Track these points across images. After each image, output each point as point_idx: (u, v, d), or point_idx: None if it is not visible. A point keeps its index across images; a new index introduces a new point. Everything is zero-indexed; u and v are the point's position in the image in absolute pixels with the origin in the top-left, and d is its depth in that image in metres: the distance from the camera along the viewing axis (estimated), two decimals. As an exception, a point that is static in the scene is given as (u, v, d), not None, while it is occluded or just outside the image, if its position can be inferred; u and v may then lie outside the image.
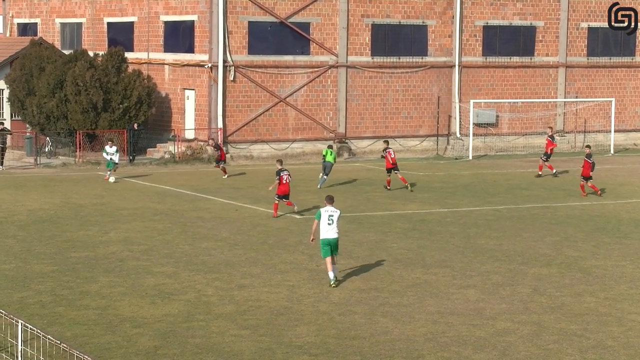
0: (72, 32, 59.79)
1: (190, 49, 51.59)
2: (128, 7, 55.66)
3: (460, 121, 55.39)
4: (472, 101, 54.57)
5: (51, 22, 61.14)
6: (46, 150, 50.57)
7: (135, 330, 20.18)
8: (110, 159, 42.24)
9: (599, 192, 39.63)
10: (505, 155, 55.29)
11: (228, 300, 22.61)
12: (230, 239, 29.92)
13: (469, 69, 55.78)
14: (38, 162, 48.14)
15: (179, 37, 52.50)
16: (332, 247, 24.04)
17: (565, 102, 58.15)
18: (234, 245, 28.91)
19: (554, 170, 45.71)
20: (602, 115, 59.02)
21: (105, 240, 29.49)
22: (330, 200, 24.47)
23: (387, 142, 42.34)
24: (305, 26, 51.95)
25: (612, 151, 57.27)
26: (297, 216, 33.83)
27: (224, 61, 50.05)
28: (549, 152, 45.82)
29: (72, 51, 53.02)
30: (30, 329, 16.90)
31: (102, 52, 52.43)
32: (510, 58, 56.78)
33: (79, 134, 48.48)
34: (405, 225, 32.59)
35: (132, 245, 28.68)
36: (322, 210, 24.26)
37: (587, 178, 39.49)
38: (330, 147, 42.39)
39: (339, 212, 24.32)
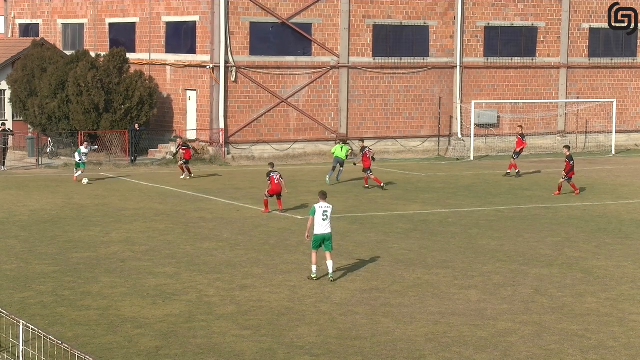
0: (74, 33, 59.80)
1: (192, 50, 51.60)
2: (130, 7, 55.67)
3: (461, 122, 55.40)
4: (473, 102, 54.61)
5: (53, 22, 61.15)
6: (48, 150, 50.60)
7: (137, 330, 20.19)
8: (81, 159, 42.13)
9: (577, 191, 39.98)
10: (506, 155, 55.19)
11: (229, 301, 22.62)
12: (231, 239, 29.93)
13: (470, 69, 55.77)
14: (40, 163, 48.17)
15: (181, 37, 52.52)
16: (326, 242, 24.48)
17: (566, 103, 58.15)
18: (236, 246, 28.93)
19: (518, 170, 46.09)
20: (603, 116, 59.02)
21: (106, 240, 29.50)
22: (323, 196, 24.94)
23: (362, 140, 44.63)
24: (307, 27, 51.95)
25: (613, 152, 57.29)
26: (299, 217, 33.85)
27: (226, 62, 50.06)
28: (518, 150, 46.19)
29: (74, 52, 53.05)
30: (32, 329, 16.92)
31: (104, 53, 52.43)
32: (512, 59, 56.78)
33: (81, 134, 48.48)
34: (406, 226, 32.60)
35: (133, 246, 28.70)
36: (316, 206, 24.62)
37: (569, 178, 40.03)
38: (344, 142, 43.07)
39: (331, 207, 24.85)
